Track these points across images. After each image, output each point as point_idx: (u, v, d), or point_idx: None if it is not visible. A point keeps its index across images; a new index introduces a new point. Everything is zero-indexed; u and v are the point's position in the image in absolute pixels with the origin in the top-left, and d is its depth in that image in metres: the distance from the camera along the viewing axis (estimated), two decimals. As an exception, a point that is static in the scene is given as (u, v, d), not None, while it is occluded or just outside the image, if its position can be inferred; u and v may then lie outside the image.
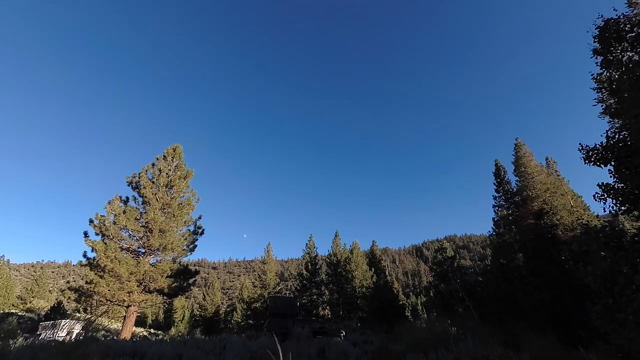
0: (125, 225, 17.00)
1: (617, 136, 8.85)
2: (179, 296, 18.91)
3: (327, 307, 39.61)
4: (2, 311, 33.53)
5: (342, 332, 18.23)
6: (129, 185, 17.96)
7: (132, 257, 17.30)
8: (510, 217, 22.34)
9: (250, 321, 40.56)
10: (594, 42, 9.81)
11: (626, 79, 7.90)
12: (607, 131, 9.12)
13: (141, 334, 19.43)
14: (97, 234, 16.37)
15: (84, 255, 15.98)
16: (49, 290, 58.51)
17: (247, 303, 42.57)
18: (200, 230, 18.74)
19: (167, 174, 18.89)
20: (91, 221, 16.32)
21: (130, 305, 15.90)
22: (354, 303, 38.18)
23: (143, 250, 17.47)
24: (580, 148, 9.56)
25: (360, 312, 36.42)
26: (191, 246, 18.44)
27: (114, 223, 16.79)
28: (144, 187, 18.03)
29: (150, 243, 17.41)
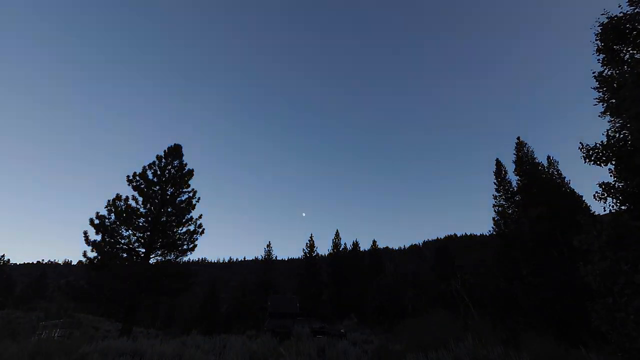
0: (126, 225, 17.00)
1: (617, 135, 8.83)
2: (179, 296, 18.91)
3: (327, 307, 39.62)
4: (2, 311, 33.56)
5: (342, 332, 18.22)
6: (129, 184, 17.93)
7: (133, 257, 17.30)
8: (511, 217, 22.33)
9: (250, 321, 40.58)
10: (597, 40, 9.79)
11: (627, 77, 7.88)
12: (607, 130, 9.10)
13: (141, 333, 19.46)
14: (97, 234, 16.37)
15: (84, 255, 15.96)
16: (50, 290, 58.51)
17: (247, 302, 42.58)
18: (200, 230, 18.71)
19: (167, 173, 18.87)
20: (91, 221, 16.30)
21: (131, 305, 15.90)
22: (354, 302, 38.19)
23: (143, 250, 17.48)
24: (581, 147, 9.55)
25: (360, 312, 36.41)
26: (191, 246, 18.43)
27: (114, 222, 16.79)
28: (145, 187, 18.02)
29: (151, 242, 17.41)
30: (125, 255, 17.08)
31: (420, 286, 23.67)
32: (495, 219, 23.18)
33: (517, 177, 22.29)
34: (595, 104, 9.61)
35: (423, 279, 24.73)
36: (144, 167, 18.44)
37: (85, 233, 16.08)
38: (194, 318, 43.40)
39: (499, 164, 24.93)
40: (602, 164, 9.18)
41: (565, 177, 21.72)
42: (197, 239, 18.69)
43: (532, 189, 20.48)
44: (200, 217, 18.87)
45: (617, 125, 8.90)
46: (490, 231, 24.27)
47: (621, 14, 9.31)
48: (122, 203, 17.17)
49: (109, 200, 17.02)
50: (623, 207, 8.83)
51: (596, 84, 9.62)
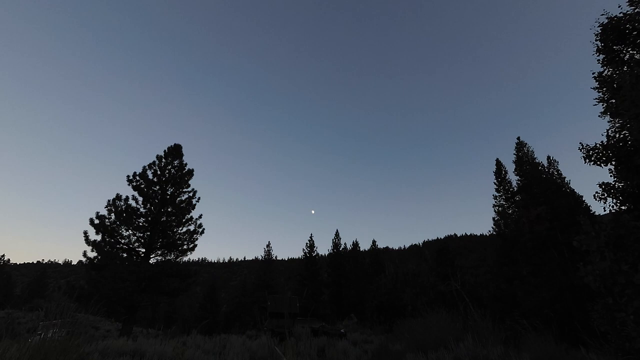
0: (126, 225, 17.01)
1: (617, 135, 8.83)
2: (179, 296, 18.92)
3: (327, 307, 39.62)
4: (2, 310, 33.60)
5: (342, 332, 18.22)
6: (129, 184, 17.94)
7: (133, 257, 17.31)
8: (511, 217, 22.32)
9: (250, 321, 40.57)
10: (596, 40, 9.80)
11: (627, 77, 7.88)
12: (607, 130, 9.11)
13: (141, 333, 19.47)
14: (97, 234, 16.38)
15: (85, 255, 15.98)
16: (50, 290, 58.51)
17: (247, 302, 42.58)
18: (200, 230, 18.73)
19: (167, 173, 18.88)
20: (91, 221, 16.32)
21: (131, 305, 15.90)
22: (354, 302, 38.19)
23: (143, 250, 17.48)
24: (581, 147, 9.56)
25: (360, 312, 36.41)
26: (191, 245, 18.45)
27: (115, 222, 16.80)
28: (145, 186, 18.03)
29: (151, 242, 17.41)
30: (125, 255, 17.10)
31: (420, 286, 23.67)
32: (496, 219, 23.19)
33: (517, 177, 22.29)
34: (595, 104, 9.62)
35: (423, 279, 24.71)
36: (144, 167, 18.46)
37: (85, 233, 16.11)
38: (194, 318, 43.44)
39: (499, 164, 24.93)
40: (602, 164, 9.18)
41: (565, 177, 21.74)
42: (197, 239, 18.72)
43: (532, 189, 20.46)
44: (200, 217, 18.90)
45: (617, 125, 8.91)
46: (490, 231, 24.32)
47: (621, 14, 9.32)
48: (122, 203, 17.18)
49: (109, 200, 17.04)
50: (623, 208, 8.84)
51: (596, 84, 9.63)
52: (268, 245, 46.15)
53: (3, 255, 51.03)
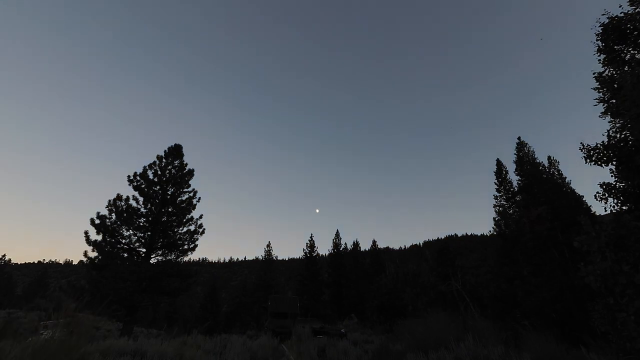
0: (126, 225, 17.03)
1: (618, 135, 8.82)
2: (180, 296, 18.93)
3: (328, 307, 39.63)
4: (3, 310, 33.63)
5: (343, 332, 18.22)
6: (130, 184, 17.95)
7: (133, 257, 17.33)
8: (512, 217, 22.28)
9: (251, 321, 40.58)
10: (597, 40, 9.78)
11: (628, 77, 7.87)
12: (608, 130, 9.10)
13: (142, 333, 19.49)
14: (98, 234, 16.39)
15: (85, 255, 16.00)
16: (51, 290, 58.60)
17: (247, 302, 42.61)
18: (201, 230, 18.74)
19: (168, 173, 18.88)
20: (92, 221, 16.33)
21: (131, 305, 15.93)
22: (355, 302, 38.19)
23: (144, 250, 17.49)
24: (582, 147, 9.54)
25: (360, 312, 36.41)
26: (192, 245, 18.46)
27: (115, 222, 16.81)
28: (145, 186, 18.04)
29: (151, 242, 17.43)
30: (126, 255, 17.11)
31: (421, 286, 23.66)
32: (496, 219, 23.15)
33: (518, 177, 22.24)
34: (596, 105, 9.59)
35: (424, 279, 24.70)
36: (145, 167, 18.46)
37: (86, 233, 16.12)
38: (194, 318, 43.45)
39: (499, 164, 24.88)
40: (603, 165, 9.17)
41: (566, 177, 21.70)
42: (197, 239, 18.72)
43: (533, 189, 20.43)
44: (200, 217, 18.90)
45: (618, 125, 8.89)
46: (490, 231, 24.31)
47: (622, 14, 9.29)
48: (122, 203, 17.19)
49: (109, 200, 17.05)
50: (624, 208, 8.83)
51: (596, 85, 9.60)
52: (268, 245, 46.20)
53: (4, 255, 51.13)
